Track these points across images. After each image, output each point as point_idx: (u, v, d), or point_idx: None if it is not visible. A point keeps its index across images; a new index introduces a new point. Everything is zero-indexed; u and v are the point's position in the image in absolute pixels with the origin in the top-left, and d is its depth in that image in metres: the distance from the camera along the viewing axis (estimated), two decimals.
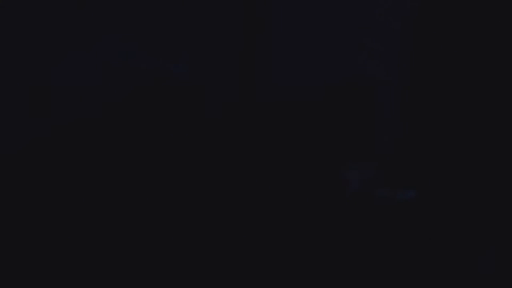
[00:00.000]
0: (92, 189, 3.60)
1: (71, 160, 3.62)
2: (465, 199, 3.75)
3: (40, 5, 3.73)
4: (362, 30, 3.97)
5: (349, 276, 3.34)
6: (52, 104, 3.73)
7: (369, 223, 3.62)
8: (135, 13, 3.90)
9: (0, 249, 3.18)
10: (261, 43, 3.95)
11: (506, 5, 3.81)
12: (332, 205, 3.78)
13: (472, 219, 3.64)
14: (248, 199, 3.74)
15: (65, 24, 3.79)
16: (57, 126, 3.67)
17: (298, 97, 3.95)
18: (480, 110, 3.88)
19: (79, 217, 3.48)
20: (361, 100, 3.93)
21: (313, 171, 3.88)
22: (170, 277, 3.23)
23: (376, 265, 3.39)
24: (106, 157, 3.68)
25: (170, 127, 3.83)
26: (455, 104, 3.90)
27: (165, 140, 3.82)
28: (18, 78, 3.70)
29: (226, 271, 3.38)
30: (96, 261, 3.27)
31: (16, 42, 3.71)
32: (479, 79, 3.89)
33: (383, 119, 3.94)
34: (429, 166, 3.90)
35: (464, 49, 3.87)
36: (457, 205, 3.72)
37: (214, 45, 3.96)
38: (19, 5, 3.70)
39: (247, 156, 3.87)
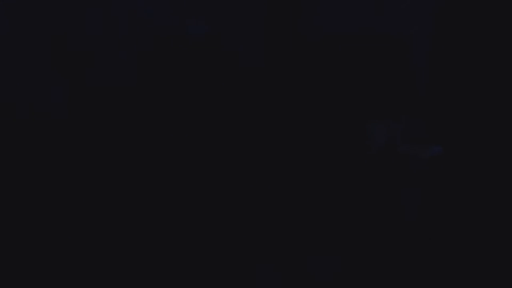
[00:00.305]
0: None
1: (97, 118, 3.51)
2: (492, 156, 3.59)
3: None
4: None
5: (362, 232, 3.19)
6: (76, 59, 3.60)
7: (392, 180, 3.47)
8: None
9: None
10: None
11: None
12: (354, 161, 3.63)
13: (498, 176, 3.47)
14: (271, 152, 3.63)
15: None
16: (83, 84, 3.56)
17: (331, 45, 3.79)
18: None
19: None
20: (393, 53, 3.75)
21: (340, 125, 3.73)
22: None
23: (393, 221, 3.24)
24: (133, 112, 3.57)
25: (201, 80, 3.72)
26: (482, 62, 3.72)
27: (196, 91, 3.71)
28: (40, 30, 3.57)
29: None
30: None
31: None
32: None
33: (415, 75, 3.77)
34: (457, 123, 3.74)
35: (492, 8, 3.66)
36: (483, 162, 3.56)
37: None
38: None
39: (280, 103, 3.75)
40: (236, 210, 3.36)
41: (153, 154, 3.62)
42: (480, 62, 3.73)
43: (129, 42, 3.72)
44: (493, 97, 3.73)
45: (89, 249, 3.09)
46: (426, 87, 3.78)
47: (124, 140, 3.59)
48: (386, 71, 3.80)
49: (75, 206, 3.31)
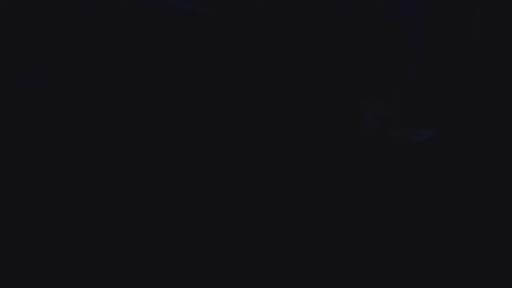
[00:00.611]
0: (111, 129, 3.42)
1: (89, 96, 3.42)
2: (486, 141, 3.52)
3: None
4: None
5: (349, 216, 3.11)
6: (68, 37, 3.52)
7: (384, 165, 3.39)
8: None
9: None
10: None
11: None
12: (346, 144, 3.54)
13: (492, 163, 3.40)
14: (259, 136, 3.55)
15: None
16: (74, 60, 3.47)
17: (327, 26, 3.70)
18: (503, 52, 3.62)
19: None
20: (387, 34, 3.66)
21: (331, 107, 3.64)
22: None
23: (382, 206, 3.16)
24: (128, 93, 3.48)
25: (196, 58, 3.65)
26: (480, 47, 3.64)
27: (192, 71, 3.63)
28: (29, 7, 3.46)
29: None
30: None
31: None
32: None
33: (410, 58, 3.68)
34: (450, 107, 3.66)
35: None
36: (476, 147, 3.49)
37: None
38: None
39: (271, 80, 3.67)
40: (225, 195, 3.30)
41: (138, 133, 3.54)
42: (478, 47, 3.65)
43: (123, 20, 3.62)
44: (489, 84, 3.65)
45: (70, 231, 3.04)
46: (421, 71, 3.70)
47: (112, 116, 3.51)
48: (379, 53, 3.72)
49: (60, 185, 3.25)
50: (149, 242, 2.95)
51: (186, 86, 3.64)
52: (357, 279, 2.67)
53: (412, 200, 3.21)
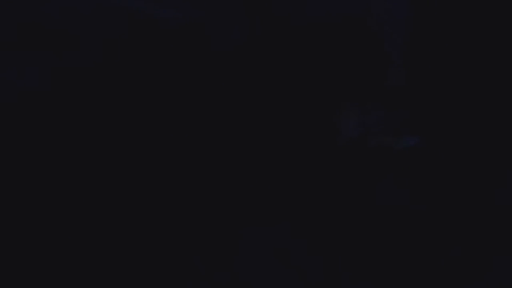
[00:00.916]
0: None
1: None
2: (471, 148, 3.55)
3: None
4: None
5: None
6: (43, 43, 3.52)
7: (362, 174, 3.39)
8: None
9: None
10: None
11: None
12: (321, 154, 3.53)
13: (478, 172, 3.43)
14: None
15: None
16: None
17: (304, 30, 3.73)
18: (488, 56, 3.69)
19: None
20: (364, 37, 3.70)
21: (306, 113, 3.64)
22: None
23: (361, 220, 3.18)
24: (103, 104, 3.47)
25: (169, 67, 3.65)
26: (461, 50, 3.69)
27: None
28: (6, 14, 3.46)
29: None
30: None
31: None
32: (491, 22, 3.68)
33: (388, 60, 3.72)
34: (434, 113, 3.68)
35: None
36: (462, 155, 3.52)
37: None
38: None
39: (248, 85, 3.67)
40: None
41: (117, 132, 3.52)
42: (463, 52, 3.70)
43: (102, 26, 3.63)
44: (474, 88, 3.71)
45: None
46: (402, 74, 3.74)
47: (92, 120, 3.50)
48: (354, 59, 3.75)
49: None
50: (147, 241, 2.96)
51: (159, 92, 3.64)
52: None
53: (397, 200, 3.24)
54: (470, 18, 3.63)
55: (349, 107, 3.57)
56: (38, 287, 2.66)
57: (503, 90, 3.66)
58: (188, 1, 3.78)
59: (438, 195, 3.24)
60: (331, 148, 3.50)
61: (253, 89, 3.68)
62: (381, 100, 3.62)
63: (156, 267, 2.80)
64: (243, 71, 3.70)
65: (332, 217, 3.13)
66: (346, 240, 2.99)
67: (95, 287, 2.69)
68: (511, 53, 3.65)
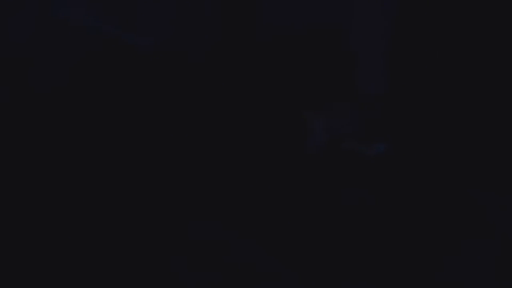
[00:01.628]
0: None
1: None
2: (439, 156, 3.50)
3: None
4: None
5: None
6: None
7: (331, 181, 3.32)
8: None
9: None
10: None
11: None
12: (289, 159, 3.47)
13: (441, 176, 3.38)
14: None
15: None
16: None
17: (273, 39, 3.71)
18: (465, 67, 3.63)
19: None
20: (329, 45, 3.65)
21: (275, 118, 3.59)
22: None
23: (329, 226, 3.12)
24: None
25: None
26: (439, 62, 3.63)
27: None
28: None
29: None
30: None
31: None
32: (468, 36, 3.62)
33: (360, 70, 3.66)
34: (403, 119, 3.62)
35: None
36: (429, 162, 3.45)
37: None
38: None
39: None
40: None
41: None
42: (447, 61, 3.65)
43: (65, 50, 3.66)
44: (447, 96, 3.66)
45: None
46: (383, 84, 3.69)
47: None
48: (326, 64, 3.70)
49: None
50: (96, 227, 2.95)
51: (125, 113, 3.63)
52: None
53: (360, 201, 3.19)
54: (454, 29, 3.59)
55: (318, 111, 3.52)
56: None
57: (486, 102, 3.62)
58: (160, 26, 3.79)
59: (400, 198, 3.20)
60: (299, 153, 3.46)
61: (221, 96, 3.67)
62: (352, 108, 3.58)
63: (102, 255, 2.79)
64: (214, 79, 3.70)
65: (290, 214, 3.10)
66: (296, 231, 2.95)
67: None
68: (491, 65, 3.61)
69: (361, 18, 3.63)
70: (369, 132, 3.55)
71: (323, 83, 3.61)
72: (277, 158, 3.45)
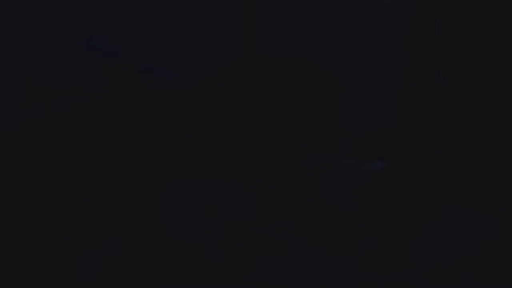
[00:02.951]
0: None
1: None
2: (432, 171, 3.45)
3: None
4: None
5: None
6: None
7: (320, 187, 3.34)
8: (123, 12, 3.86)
9: None
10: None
11: None
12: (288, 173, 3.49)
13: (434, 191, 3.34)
14: None
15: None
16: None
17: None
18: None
19: None
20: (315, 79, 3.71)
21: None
22: None
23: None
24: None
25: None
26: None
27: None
28: None
29: None
30: None
31: None
32: None
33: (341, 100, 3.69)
34: (400, 138, 3.60)
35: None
36: (423, 178, 3.41)
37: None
38: None
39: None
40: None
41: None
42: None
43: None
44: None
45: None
46: (392, 114, 3.70)
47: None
48: (310, 99, 3.75)
49: None
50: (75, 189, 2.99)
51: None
52: None
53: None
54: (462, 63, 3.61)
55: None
56: None
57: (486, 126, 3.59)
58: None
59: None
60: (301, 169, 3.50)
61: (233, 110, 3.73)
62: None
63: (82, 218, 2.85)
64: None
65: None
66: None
67: None
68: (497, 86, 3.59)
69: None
70: (364, 151, 3.56)
71: (318, 119, 3.68)
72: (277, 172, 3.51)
